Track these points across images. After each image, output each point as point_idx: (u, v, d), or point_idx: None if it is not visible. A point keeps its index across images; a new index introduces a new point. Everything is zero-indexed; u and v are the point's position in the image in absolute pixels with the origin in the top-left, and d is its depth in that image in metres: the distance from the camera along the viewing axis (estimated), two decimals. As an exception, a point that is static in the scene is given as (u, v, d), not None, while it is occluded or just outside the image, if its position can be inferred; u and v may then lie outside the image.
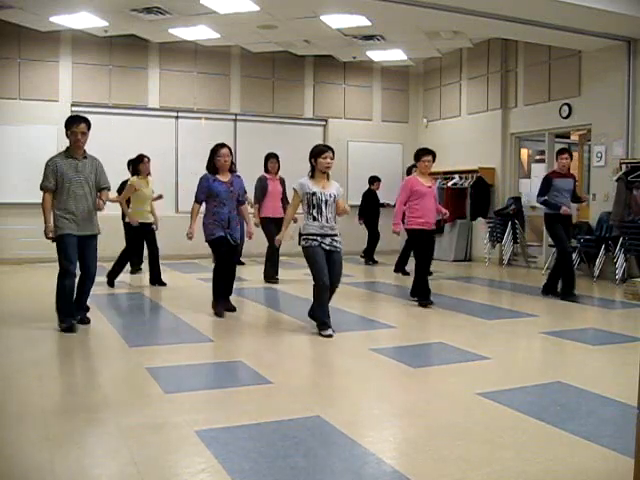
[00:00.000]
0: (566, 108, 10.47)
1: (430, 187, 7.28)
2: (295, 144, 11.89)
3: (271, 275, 8.83)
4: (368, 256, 11.48)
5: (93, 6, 8.98)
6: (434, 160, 7.49)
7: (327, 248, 5.60)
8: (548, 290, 7.81)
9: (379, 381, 4.33)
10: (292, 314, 6.49)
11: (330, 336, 5.47)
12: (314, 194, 5.62)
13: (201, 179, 6.44)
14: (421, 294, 7.18)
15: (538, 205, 11.18)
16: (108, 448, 3.06)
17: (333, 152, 5.80)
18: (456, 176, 12.17)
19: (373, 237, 11.50)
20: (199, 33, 10.39)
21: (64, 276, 5.57)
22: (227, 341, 5.49)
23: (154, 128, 11.87)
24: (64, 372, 4.53)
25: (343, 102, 13.28)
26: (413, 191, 7.19)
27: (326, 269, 5.54)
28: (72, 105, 11.20)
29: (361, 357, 4.91)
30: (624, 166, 9.20)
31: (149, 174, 8.64)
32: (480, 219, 11.87)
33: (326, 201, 5.63)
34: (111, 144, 10.78)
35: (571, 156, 7.76)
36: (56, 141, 10.84)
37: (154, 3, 8.72)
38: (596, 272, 9.31)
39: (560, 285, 7.70)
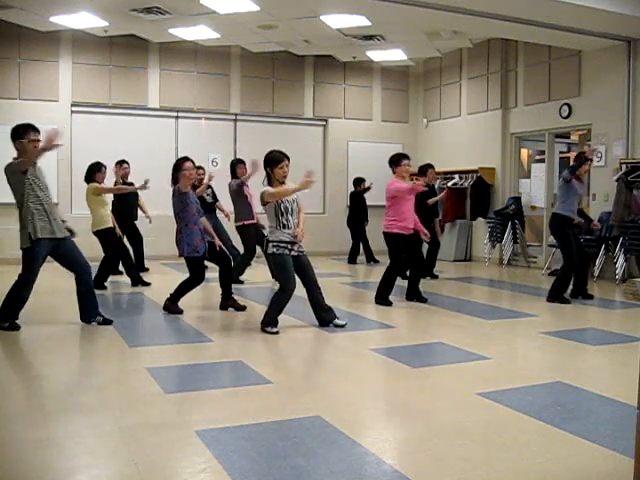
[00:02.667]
0: (566, 108, 10.47)
1: None
2: (295, 144, 11.89)
3: (239, 273, 8.72)
4: (367, 257, 11.47)
5: (93, 6, 8.98)
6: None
7: (295, 254, 5.68)
8: (577, 293, 7.56)
9: (379, 381, 4.33)
10: (292, 314, 6.47)
11: (276, 333, 5.60)
12: (282, 202, 5.60)
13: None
14: (382, 295, 7.16)
15: (538, 205, 11.27)
16: (108, 448, 3.06)
17: (288, 159, 5.72)
18: (456, 176, 12.18)
19: (357, 241, 11.49)
20: (199, 33, 10.38)
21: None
22: (227, 341, 5.48)
23: (154, 128, 11.87)
24: (64, 372, 4.52)
25: (343, 102, 13.28)
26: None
27: (294, 276, 5.67)
28: (72, 105, 11.20)
29: (361, 357, 4.90)
30: (624, 166, 9.21)
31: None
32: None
33: (292, 208, 5.65)
34: (111, 144, 10.80)
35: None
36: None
37: (154, 3, 8.72)
38: (596, 272, 9.31)
39: (572, 287, 7.55)
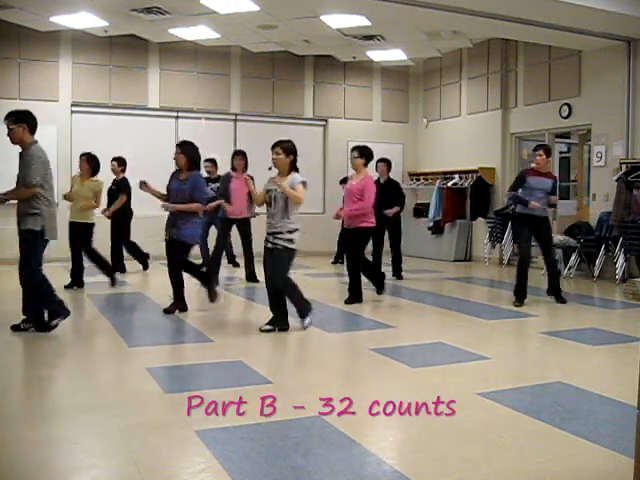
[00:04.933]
0: (566, 108, 10.46)
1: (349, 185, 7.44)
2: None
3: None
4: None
5: (93, 6, 8.97)
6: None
7: (270, 246, 5.59)
8: (550, 292, 7.47)
9: (379, 381, 4.33)
10: (292, 314, 6.48)
11: (268, 331, 5.57)
12: (268, 192, 5.64)
13: None
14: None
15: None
16: (108, 448, 3.06)
17: (281, 146, 5.74)
18: (456, 176, 12.17)
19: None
20: (199, 33, 10.38)
21: None
22: (227, 341, 5.48)
23: (154, 128, 11.86)
24: (63, 372, 4.52)
25: (343, 102, 13.28)
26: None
27: (265, 268, 5.63)
28: (72, 105, 11.20)
29: (361, 357, 4.90)
30: (624, 166, 9.21)
31: (92, 174, 8.12)
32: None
33: (275, 197, 5.55)
34: (111, 144, 10.78)
35: (547, 153, 7.25)
36: (56, 141, 10.85)
37: (154, 3, 8.71)
38: (596, 272, 9.31)
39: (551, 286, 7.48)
